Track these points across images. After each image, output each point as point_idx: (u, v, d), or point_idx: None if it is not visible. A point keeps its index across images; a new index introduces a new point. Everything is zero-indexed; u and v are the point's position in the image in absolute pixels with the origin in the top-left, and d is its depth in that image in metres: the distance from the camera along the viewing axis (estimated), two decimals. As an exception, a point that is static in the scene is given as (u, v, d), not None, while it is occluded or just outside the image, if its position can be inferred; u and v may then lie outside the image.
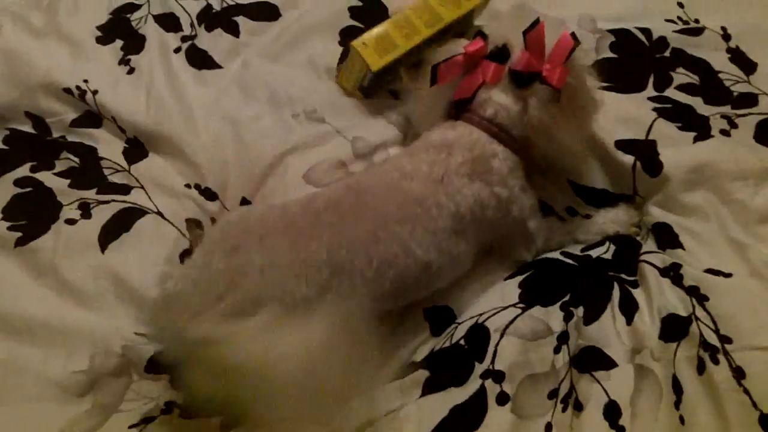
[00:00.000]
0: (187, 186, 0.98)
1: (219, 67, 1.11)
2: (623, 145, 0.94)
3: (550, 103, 0.83)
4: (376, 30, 1.03)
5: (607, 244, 0.89)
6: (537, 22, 0.81)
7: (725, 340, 0.74)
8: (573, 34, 0.83)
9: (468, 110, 0.87)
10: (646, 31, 1.09)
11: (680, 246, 0.85)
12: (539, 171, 0.92)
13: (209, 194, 0.97)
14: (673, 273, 0.82)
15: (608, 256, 0.87)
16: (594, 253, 0.88)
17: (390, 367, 0.82)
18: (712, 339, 0.74)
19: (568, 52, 0.83)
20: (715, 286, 0.79)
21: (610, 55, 1.07)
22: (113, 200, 0.93)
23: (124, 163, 0.99)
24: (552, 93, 0.82)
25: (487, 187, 0.83)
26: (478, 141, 0.84)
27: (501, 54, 0.85)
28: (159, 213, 0.93)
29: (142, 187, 0.96)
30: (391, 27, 1.03)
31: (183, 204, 0.95)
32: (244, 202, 0.98)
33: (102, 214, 0.92)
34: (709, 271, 0.81)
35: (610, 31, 1.09)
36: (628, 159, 0.93)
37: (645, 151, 0.93)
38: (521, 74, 0.83)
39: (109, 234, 0.90)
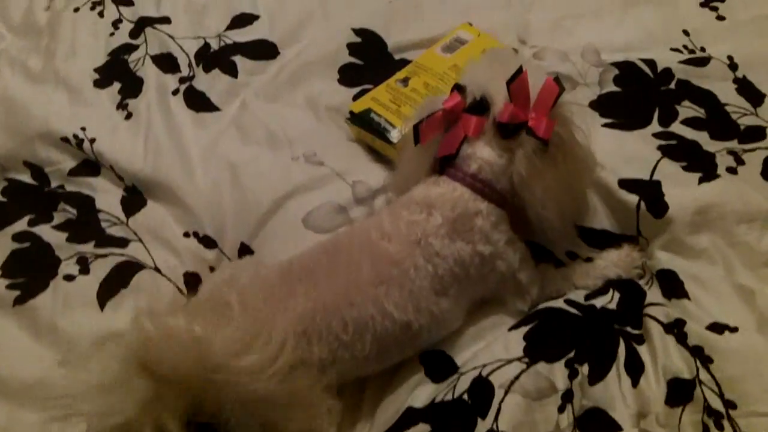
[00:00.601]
0: (186, 234, 0.98)
1: (217, 109, 1.11)
2: (627, 184, 0.92)
3: (537, 154, 0.80)
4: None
5: (611, 291, 0.87)
6: (520, 71, 0.79)
7: (730, 405, 0.72)
8: (557, 79, 0.81)
9: (452, 165, 0.85)
10: (650, 63, 1.08)
11: (686, 295, 0.84)
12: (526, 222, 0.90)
13: (208, 242, 0.97)
14: (677, 330, 0.80)
15: (613, 305, 0.86)
16: (598, 302, 0.86)
17: (385, 411, 0.82)
18: (717, 404, 0.73)
19: (554, 99, 0.81)
20: (720, 346, 0.77)
21: (615, 89, 1.06)
22: (111, 254, 0.94)
23: (122, 215, 1.00)
24: (539, 144, 0.80)
25: (469, 246, 0.81)
26: (461, 198, 0.82)
27: (480, 106, 0.83)
28: (156, 269, 0.93)
29: (140, 240, 0.96)
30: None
31: (181, 256, 0.95)
32: (243, 247, 0.97)
33: (100, 269, 0.92)
34: (715, 326, 0.79)
35: (614, 63, 1.08)
36: (632, 199, 0.91)
37: (649, 191, 0.91)
38: (506, 126, 0.81)
39: (108, 290, 0.90)
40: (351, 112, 1.05)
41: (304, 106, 1.10)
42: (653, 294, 0.86)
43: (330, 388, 0.76)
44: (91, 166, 1.04)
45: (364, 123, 1.03)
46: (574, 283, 0.90)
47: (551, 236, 0.89)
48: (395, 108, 1.04)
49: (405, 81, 1.08)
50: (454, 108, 0.84)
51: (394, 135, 1.00)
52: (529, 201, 0.83)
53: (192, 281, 0.94)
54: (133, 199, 1.02)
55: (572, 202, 0.89)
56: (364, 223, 0.89)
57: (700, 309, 0.82)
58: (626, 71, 1.08)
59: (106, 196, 1.02)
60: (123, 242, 0.96)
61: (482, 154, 0.83)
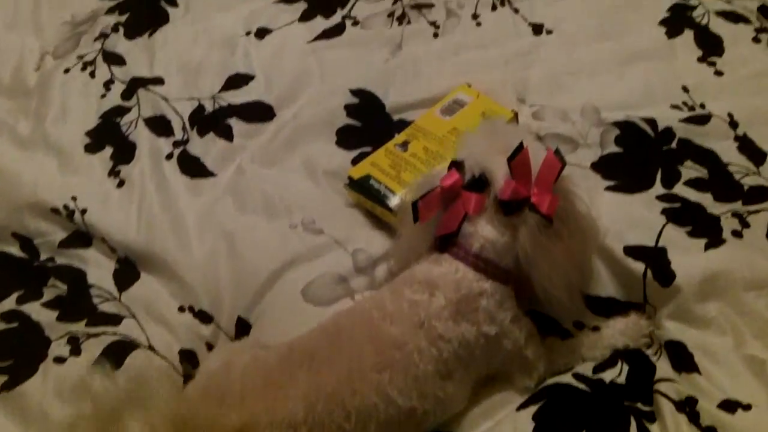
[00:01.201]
0: (181, 309, 0.96)
1: (212, 174, 1.10)
2: (633, 251, 0.91)
3: (542, 230, 0.79)
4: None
5: (620, 363, 0.86)
6: (521, 147, 0.78)
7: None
8: (558, 153, 0.80)
9: (454, 244, 0.83)
10: (651, 122, 1.08)
11: (696, 369, 0.82)
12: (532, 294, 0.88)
13: (204, 317, 0.96)
14: (689, 409, 0.79)
15: (622, 379, 0.84)
16: (607, 376, 0.84)
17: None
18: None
19: (556, 174, 0.80)
20: (734, 426, 0.76)
21: (616, 149, 1.05)
22: (104, 332, 0.92)
23: (115, 290, 0.98)
24: (543, 220, 0.79)
25: (474, 327, 0.80)
26: (464, 279, 0.81)
27: (480, 183, 0.82)
28: (151, 347, 0.91)
29: (134, 317, 0.94)
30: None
31: (176, 332, 0.94)
32: (240, 322, 0.95)
33: (92, 350, 0.90)
34: (727, 404, 0.78)
35: (615, 123, 1.08)
36: (639, 267, 0.90)
37: (656, 258, 0.90)
38: (508, 203, 0.80)
39: (101, 373, 0.87)
40: (350, 178, 1.04)
41: (302, 171, 1.09)
42: (663, 366, 0.85)
43: None
44: (82, 237, 1.03)
45: (364, 189, 1.02)
46: (582, 355, 0.88)
47: (558, 309, 0.87)
48: (395, 174, 1.02)
49: (404, 145, 1.07)
50: (452, 186, 0.82)
51: (394, 202, 0.99)
52: (535, 277, 0.82)
53: (188, 359, 0.92)
54: (126, 272, 1.00)
55: (579, 275, 0.87)
56: (366, 302, 0.87)
57: (711, 384, 0.81)
58: (627, 131, 1.07)
59: (98, 270, 1.00)
60: (116, 319, 0.94)
61: (484, 232, 0.81)
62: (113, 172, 1.09)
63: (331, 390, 0.74)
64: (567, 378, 0.85)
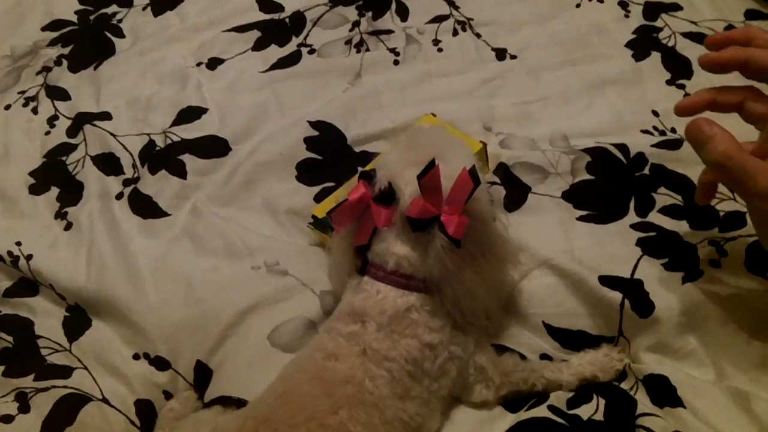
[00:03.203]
0: (136, 357, 0.95)
1: (166, 214, 1.09)
2: (608, 281, 0.93)
3: (447, 252, 0.80)
4: None
5: (595, 398, 0.86)
6: (432, 164, 0.79)
7: None
8: (472, 172, 0.80)
9: (372, 264, 0.85)
10: (622, 147, 1.10)
11: (680, 403, 0.84)
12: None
13: (160, 363, 0.95)
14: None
15: (599, 416, 0.84)
16: (583, 413, 0.84)
17: None
18: None
19: (468, 194, 0.80)
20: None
21: (588, 177, 1.07)
22: (53, 386, 0.90)
23: (64, 340, 0.96)
24: (449, 242, 0.80)
25: (414, 340, 0.81)
26: (387, 299, 0.82)
27: (387, 197, 0.84)
28: (104, 399, 0.90)
29: (85, 368, 0.93)
30: None
31: (131, 383, 0.92)
32: (200, 366, 0.95)
33: (42, 406, 0.88)
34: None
35: (586, 150, 1.10)
36: (616, 296, 0.92)
37: (633, 289, 0.92)
38: (417, 221, 0.81)
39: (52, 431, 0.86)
40: (314, 217, 1.04)
41: (262, 210, 1.09)
42: (642, 400, 0.86)
43: None
44: (28, 285, 1.01)
45: (327, 228, 1.03)
46: (543, 374, 0.89)
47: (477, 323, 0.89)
48: None
49: None
50: (360, 199, 0.84)
51: None
52: (446, 297, 0.84)
53: (144, 409, 0.91)
54: (77, 320, 0.99)
55: (493, 297, 0.89)
56: (307, 350, 0.87)
57: (697, 419, 0.82)
58: (598, 158, 1.09)
59: (46, 319, 0.99)
60: (66, 371, 0.92)
61: (395, 249, 0.84)
62: (60, 215, 1.08)
63: None
64: (543, 411, 0.85)
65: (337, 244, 0.90)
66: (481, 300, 0.85)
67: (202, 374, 0.95)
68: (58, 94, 1.30)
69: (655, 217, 1.01)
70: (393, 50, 1.32)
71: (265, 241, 1.05)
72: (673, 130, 1.14)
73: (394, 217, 0.83)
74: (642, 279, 0.93)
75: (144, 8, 1.49)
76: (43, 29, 1.46)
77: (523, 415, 0.85)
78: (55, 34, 1.43)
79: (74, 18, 1.48)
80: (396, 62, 1.30)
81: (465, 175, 0.79)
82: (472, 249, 0.82)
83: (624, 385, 0.88)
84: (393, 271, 0.83)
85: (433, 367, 0.82)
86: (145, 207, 1.10)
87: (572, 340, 0.93)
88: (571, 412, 0.84)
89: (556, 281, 0.95)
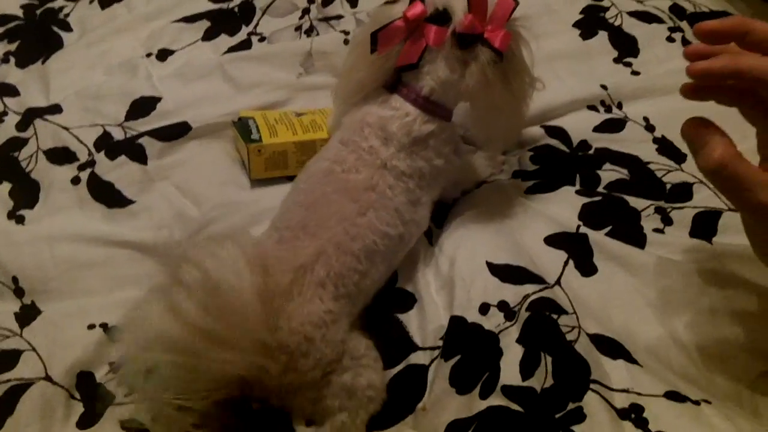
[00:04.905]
0: (91, 326, 0.98)
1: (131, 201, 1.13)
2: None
3: (490, 66, 0.91)
4: (278, 140, 1.13)
5: (543, 359, 0.88)
6: None
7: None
8: None
9: (405, 85, 0.96)
10: (564, 137, 1.18)
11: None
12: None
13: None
14: (634, 416, 0.83)
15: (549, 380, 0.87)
16: (536, 383, 0.86)
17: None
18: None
19: (509, 12, 0.91)
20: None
21: (533, 167, 1.16)
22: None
23: (15, 326, 0.99)
24: (493, 55, 0.91)
25: (426, 162, 0.96)
26: (414, 123, 0.95)
27: (443, 17, 0.93)
28: (47, 377, 0.92)
29: (34, 349, 0.95)
30: (291, 140, 1.14)
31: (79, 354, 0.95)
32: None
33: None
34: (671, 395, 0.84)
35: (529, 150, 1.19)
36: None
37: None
38: (465, 36, 0.91)
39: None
40: (239, 117, 1.19)
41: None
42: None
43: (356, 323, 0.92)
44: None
45: (241, 126, 1.17)
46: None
47: (490, 144, 1.11)
48: (272, 124, 1.16)
49: (300, 115, 1.21)
50: (417, 17, 0.92)
51: (254, 137, 1.13)
52: (474, 113, 1.01)
53: (85, 382, 0.94)
54: (30, 311, 1.01)
55: (514, 116, 1.02)
56: (322, 163, 0.97)
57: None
58: (541, 152, 1.18)
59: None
60: (14, 357, 0.94)
61: (437, 70, 0.94)
62: (14, 216, 1.11)
63: (335, 244, 0.88)
64: (498, 397, 0.87)
65: (371, 63, 0.96)
66: (505, 118, 0.99)
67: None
68: (6, 90, 1.32)
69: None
70: (344, 32, 1.38)
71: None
72: (620, 106, 1.22)
73: (445, 37, 0.93)
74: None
75: (91, 1, 1.52)
76: (-12, 25, 1.48)
77: (478, 404, 0.87)
78: (0, 30, 1.46)
79: (20, 13, 1.50)
80: (346, 42, 1.35)
81: None
82: (506, 67, 0.93)
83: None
84: (425, 97, 0.95)
85: (434, 181, 0.99)
86: (106, 193, 1.14)
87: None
88: (525, 383, 0.87)
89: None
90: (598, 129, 1.18)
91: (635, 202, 1.06)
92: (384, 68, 0.97)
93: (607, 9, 1.39)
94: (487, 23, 0.91)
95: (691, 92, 0.70)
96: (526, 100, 1.00)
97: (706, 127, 0.66)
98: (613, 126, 1.18)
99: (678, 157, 1.12)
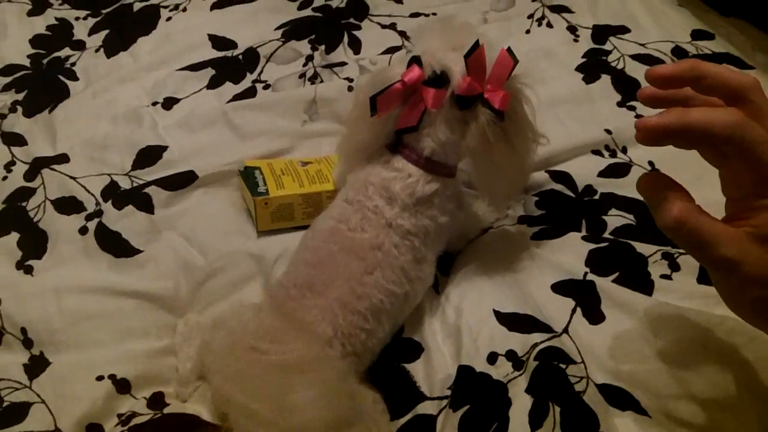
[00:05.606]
0: (99, 378, 0.99)
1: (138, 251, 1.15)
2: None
3: (491, 126, 0.92)
4: (284, 192, 1.15)
5: (552, 409, 0.89)
6: (477, 44, 0.90)
7: None
8: (510, 51, 0.93)
9: (406, 146, 0.99)
10: (569, 182, 1.19)
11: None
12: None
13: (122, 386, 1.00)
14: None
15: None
16: None
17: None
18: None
19: (509, 72, 0.92)
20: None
21: (538, 211, 1.17)
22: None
23: (24, 378, 1.00)
24: (493, 116, 0.92)
25: (431, 221, 0.98)
26: (418, 183, 0.97)
27: (441, 79, 0.95)
28: (57, 430, 0.93)
29: (43, 402, 0.97)
30: (297, 192, 1.16)
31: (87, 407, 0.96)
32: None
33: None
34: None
35: (534, 195, 1.20)
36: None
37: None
38: (464, 98, 0.93)
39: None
40: (245, 166, 1.20)
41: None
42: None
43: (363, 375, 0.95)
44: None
45: (247, 176, 1.18)
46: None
47: (492, 199, 1.11)
48: (278, 175, 1.18)
49: (306, 164, 1.22)
50: (415, 81, 0.94)
51: (261, 190, 1.14)
52: (476, 172, 1.02)
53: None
54: (39, 363, 1.02)
55: (518, 173, 1.04)
56: (328, 222, 1.00)
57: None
58: (546, 197, 1.19)
59: (8, 365, 1.01)
60: (23, 410, 0.96)
61: (437, 132, 0.96)
62: (23, 266, 1.12)
63: (342, 303, 0.91)
64: None
65: (371, 125, 1.00)
66: (507, 176, 1.01)
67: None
68: (13, 139, 1.35)
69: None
70: (347, 78, 1.40)
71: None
72: (624, 150, 1.23)
73: (443, 99, 0.95)
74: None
75: (96, 50, 1.55)
76: (-4, 74, 1.51)
77: None
78: (8, 79, 1.49)
79: (27, 62, 1.54)
80: (350, 89, 1.37)
81: (504, 53, 0.93)
82: (508, 126, 0.95)
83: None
84: (427, 158, 0.97)
85: (438, 238, 1.01)
86: (114, 243, 1.15)
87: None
88: None
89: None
90: (603, 174, 1.19)
91: (642, 247, 1.06)
92: (384, 131, 1.00)
93: (609, 52, 1.41)
94: (487, 82, 0.93)
95: (646, 140, 0.66)
96: (529, 155, 1.02)
97: (662, 183, 0.65)
98: (619, 171, 1.19)
99: (684, 203, 1.12)
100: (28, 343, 1.04)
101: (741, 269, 0.61)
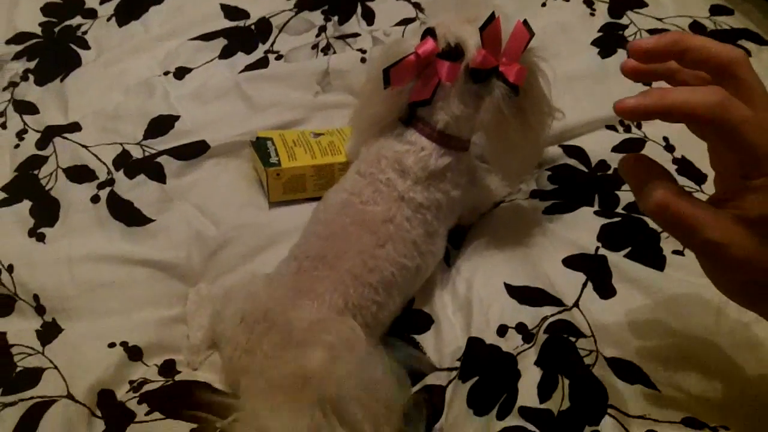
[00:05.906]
0: (111, 345, 1.01)
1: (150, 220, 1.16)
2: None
3: (506, 100, 0.92)
4: (296, 164, 1.15)
5: (560, 382, 0.89)
6: (492, 17, 0.90)
7: None
8: (526, 24, 0.92)
9: (419, 119, 0.98)
10: (583, 156, 1.19)
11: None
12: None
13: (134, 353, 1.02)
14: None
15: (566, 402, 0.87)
16: (554, 406, 0.87)
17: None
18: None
19: (524, 44, 0.92)
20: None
21: (551, 186, 1.17)
22: (20, 399, 0.93)
23: (37, 344, 1.01)
24: (509, 90, 0.92)
25: (443, 194, 0.99)
26: (431, 157, 0.97)
27: (456, 52, 0.94)
28: (69, 395, 0.94)
29: (56, 367, 0.98)
30: (309, 164, 1.16)
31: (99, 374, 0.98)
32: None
33: (8, 420, 0.91)
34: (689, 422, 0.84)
35: (547, 169, 1.20)
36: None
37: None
38: (479, 71, 0.93)
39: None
40: (257, 137, 1.21)
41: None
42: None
43: None
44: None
45: (259, 147, 1.19)
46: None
47: (505, 175, 1.12)
48: (291, 146, 1.18)
49: (318, 135, 1.23)
50: (429, 53, 0.94)
51: (273, 161, 1.15)
52: (489, 147, 1.03)
53: (105, 401, 0.96)
54: (51, 329, 1.04)
55: (531, 149, 1.04)
56: (340, 194, 1.01)
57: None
58: (559, 171, 1.19)
59: (21, 331, 1.03)
60: (36, 375, 0.97)
61: (451, 105, 0.96)
62: (35, 234, 1.14)
63: (354, 275, 0.91)
64: (515, 418, 0.87)
65: (385, 98, 1.00)
66: (521, 152, 1.01)
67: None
68: (25, 108, 1.36)
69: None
70: (360, 50, 1.40)
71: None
72: (639, 125, 1.23)
73: (458, 72, 0.94)
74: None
75: (108, 19, 1.55)
76: (8, 42, 1.52)
77: (495, 425, 0.87)
78: (19, 48, 1.49)
79: (38, 30, 1.54)
80: (363, 60, 1.37)
81: (520, 26, 0.92)
82: (523, 101, 0.95)
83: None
84: (440, 131, 0.97)
85: (451, 211, 1.02)
86: (126, 212, 1.16)
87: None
88: (542, 406, 0.87)
89: None
90: (617, 149, 1.19)
91: (654, 223, 1.05)
92: (398, 103, 0.99)
93: (626, 27, 1.40)
94: (502, 55, 0.93)
95: (629, 114, 0.61)
96: (544, 130, 1.02)
97: (644, 166, 0.62)
98: (633, 146, 1.19)
99: (698, 178, 1.12)
100: (40, 309, 1.06)
101: (727, 252, 0.59)
